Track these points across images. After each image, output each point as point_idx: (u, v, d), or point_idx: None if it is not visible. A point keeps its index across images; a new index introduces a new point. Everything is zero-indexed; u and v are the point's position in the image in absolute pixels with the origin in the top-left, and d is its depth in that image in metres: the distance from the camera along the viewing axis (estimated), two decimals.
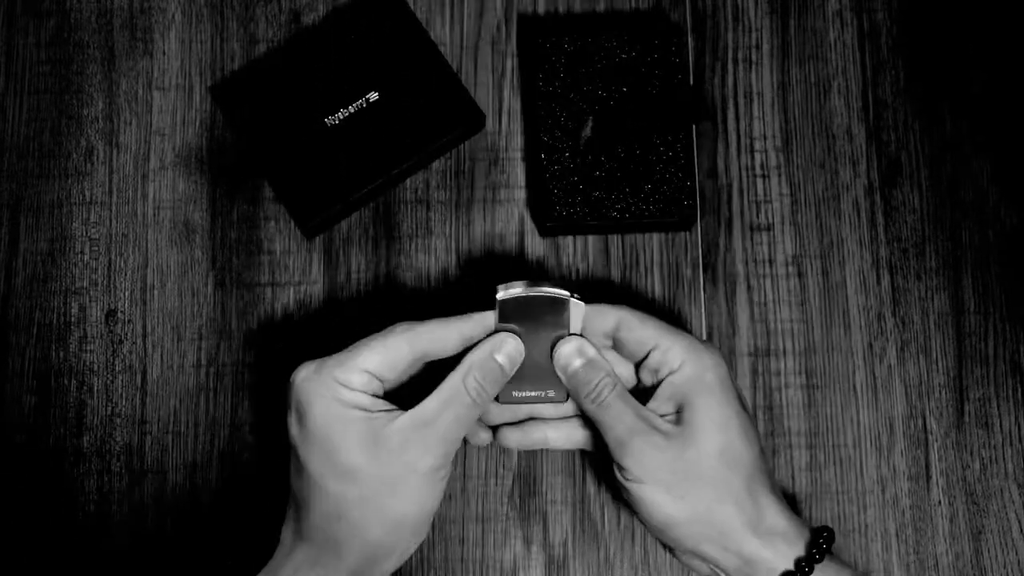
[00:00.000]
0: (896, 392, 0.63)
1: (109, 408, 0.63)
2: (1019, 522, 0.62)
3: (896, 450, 0.63)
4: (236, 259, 0.65)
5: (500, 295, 0.54)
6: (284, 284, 0.64)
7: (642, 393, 0.55)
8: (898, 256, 0.65)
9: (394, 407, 0.52)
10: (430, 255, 0.65)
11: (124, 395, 0.63)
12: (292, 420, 0.53)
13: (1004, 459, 0.63)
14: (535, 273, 0.65)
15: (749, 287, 0.65)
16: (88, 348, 0.63)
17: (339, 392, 0.51)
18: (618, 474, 0.54)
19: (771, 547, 0.52)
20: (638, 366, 0.56)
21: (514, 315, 0.54)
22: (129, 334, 0.64)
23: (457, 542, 0.62)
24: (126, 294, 0.64)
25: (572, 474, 0.62)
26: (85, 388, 0.63)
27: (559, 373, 0.55)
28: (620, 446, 0.53)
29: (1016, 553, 0.61)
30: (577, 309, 0.54)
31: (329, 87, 0.64)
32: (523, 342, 0.55)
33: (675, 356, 0.54)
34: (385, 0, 0.66)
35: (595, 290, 0.65)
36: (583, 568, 0.61)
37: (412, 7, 0.67)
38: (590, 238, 0.65)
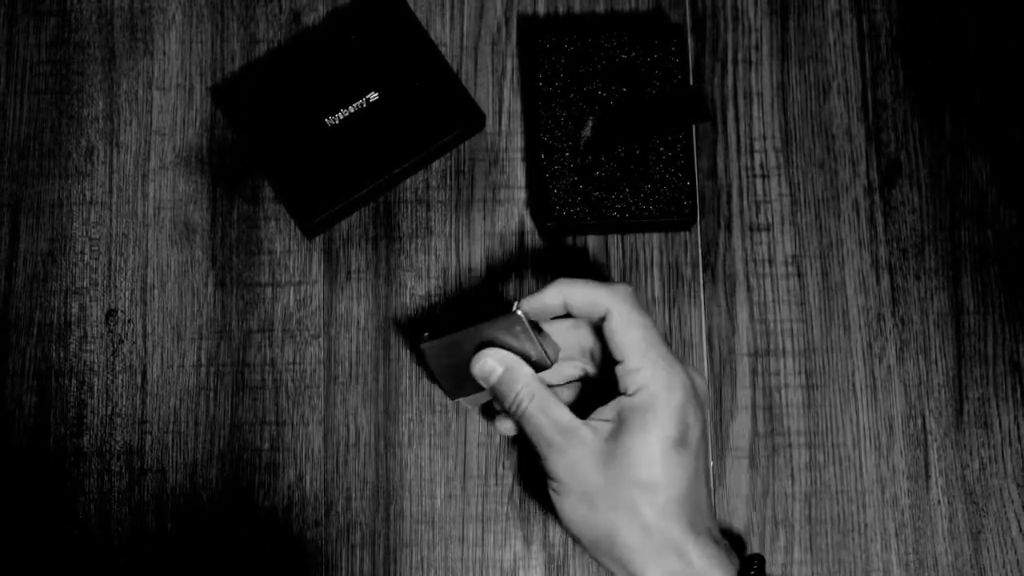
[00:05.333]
0: (895, 392, 0.63)
1: (109, 408, 0.63)
2: (1018, 522, 0.62)
3: (895, 450, 0.63)
4: (236, 259, 0.65)
5: (423, 345, 0.56)
6: (284, 284, 0.64)
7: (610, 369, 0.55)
8: (897, 256, 0.65)
9: None
10: (430, 255, 0.65)
11: (124, 395, 0.63)
12: None
13: (1003, 459, 0.63)
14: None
15: (749, 287, 0.65)
16: (88, 348, 0.63)
17: None
18: (545, 476, 0.54)
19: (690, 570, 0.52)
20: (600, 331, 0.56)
21: (439, 353, 0.57)
22: (129, 334, 0.64)
23: (457, 542, 0.62)
24: (126, 294, 0.64)
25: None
26: (85, 388, 0.63)
27: (482, 384, 0.56)
28: (541, 455, 0.54)
29: (1015, 552, 0.62)
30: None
31: (329, 87, 0.64)
32: (454, 365, 0.57)
33: (635, 381, 0.53)
34: (385, 0, 0.66)
35: None
36: (583, 568, 0.61)
37: (412, 7, 0.67)
38: (590, 238, 0.65)
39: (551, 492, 0.54)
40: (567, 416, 0.54)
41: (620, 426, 0.53)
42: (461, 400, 0.60)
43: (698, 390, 0.54)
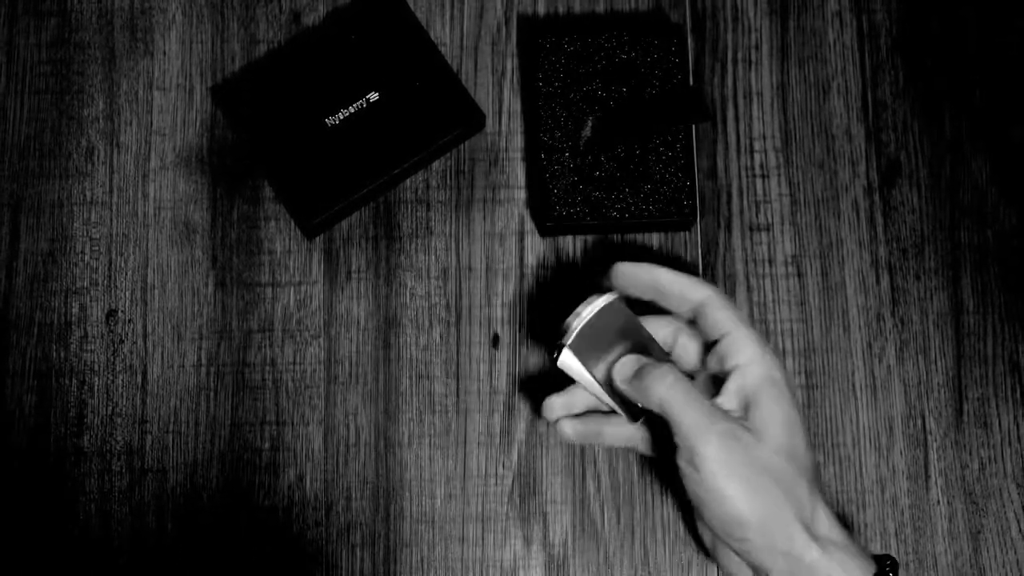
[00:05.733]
0: (895, 392, 0.63)
1: (109, 408, 0.63)
2: (1018, 521, 0.62)
3: (895, 450, 0.63)
4: (236, 259, 0.65)
5: (559, 361, 0.55)
6: (284, 284, 0.64)
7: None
8: (897, 256, 0.65)
9: None
10: (430, 255, 0.65)
11: (124, 395, 0.63)
12: None
13: (1003, 459, 0.63)
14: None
15: (748, 287, 0.65)
16: (89, 348, 0.63)
17: None
18: (687, 468, 0.52)
19: (834, 561, 0.51)
20: (707, 350, 0.56)
21: (588, 344, 0.55)
22: (130, 334, 0.64)
23: (457, 542, 0.62)
24: (126, 294, 0.64)
25: (572, 474, 0.62)
26: (86, 388, 0.63)
27: (623, 387, 0.55)
28: (695, 437, 0.52)
29: (1015, 552, 0.62)
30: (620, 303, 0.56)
31: (329, 87, 0.64)
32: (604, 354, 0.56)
33: (745, 351, 0.54)
34: (385, 0, 0.66)
35: (595, 290, 0.65)
36: (583, 568, 0.61)
37: (412, 7, 0.67)
38: (590, 238, 0.65)
39: (706, 477, 0.52)
40: (714, 406, 0.53)
41: (751, 404, 0.53)
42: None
43: None
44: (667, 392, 0.53)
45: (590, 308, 0.55)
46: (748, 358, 0.54)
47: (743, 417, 0.53)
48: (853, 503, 0.62)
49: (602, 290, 0.56)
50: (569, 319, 0.55)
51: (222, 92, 0.65)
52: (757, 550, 0.52)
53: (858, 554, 0.52)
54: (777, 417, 0.53)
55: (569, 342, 0.55)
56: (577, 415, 0.59)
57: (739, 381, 0.54)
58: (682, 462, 0.52)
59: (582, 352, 0.55)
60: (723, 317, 0.54)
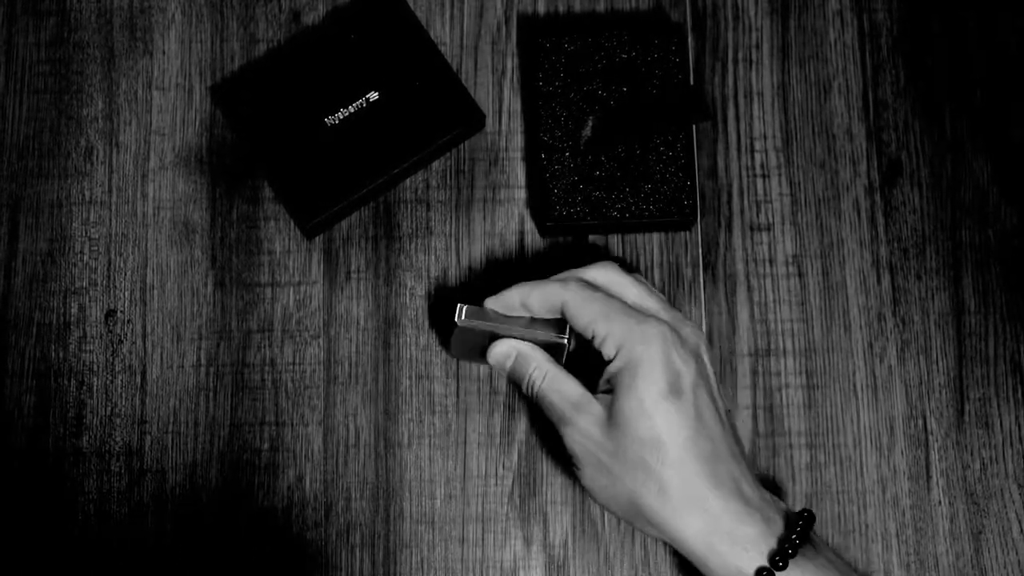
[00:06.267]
0: (896, 392, 0.63)
1: (109, 408, 0.63)
2: (1019, 522, 0.62)
3: (896, 450, 0.63)
4: (236, 259, 0.65)
5: (459, 320, 0.58)
6: (284, 284, 0.64)
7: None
8: (898, 256, 0.65)
9: None
10: (430, 255, 0.65)
11: (124, 395, 0.63)
12: None
13: (1004, 459, 0.63)
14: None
15: (749, 287, 0.65)
16: (88, 348, 0.63)
17: None
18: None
19: (720, 544, 0.52)
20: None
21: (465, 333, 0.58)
22: (129, 334, 0.64)
23: (457, 542, 0.62)
24: (126, 294, 0.64)
25: (572, 474, 0.62)
26: (85, 388, 0.63)
27: (498, 372, 0.60)
28: (559, 431, 0.55)
29: (1016, 553, 0.61)
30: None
31: (329, 87, 0.64)
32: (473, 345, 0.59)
33: (610, 346, 0.54)
34: (385, 0, 0.66)
35: None
36: (583, 568, 0.61)
37: (412, 7, 0.67)
38: (590, 238, 0.65)
39: (574, 471, 0.55)
40: (577, 390, 0.55)
41: (613, 393, 0.54)
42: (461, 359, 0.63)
43: (681, 334, 0.54)
44: (532, 379, 0.56)
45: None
46: (614, 350, 0.54)
47: (611, 403, 0.54)
48: (854, 503, 0.62)
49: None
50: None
51: (222, 91, 0.65)
52: (643, 529, 0.54)
53: (756, 537, 0.52)
54: (632, 404, 0.53)
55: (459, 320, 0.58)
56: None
57: (606, 373, 0.55)
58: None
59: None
60: (583, 321, 0.55)
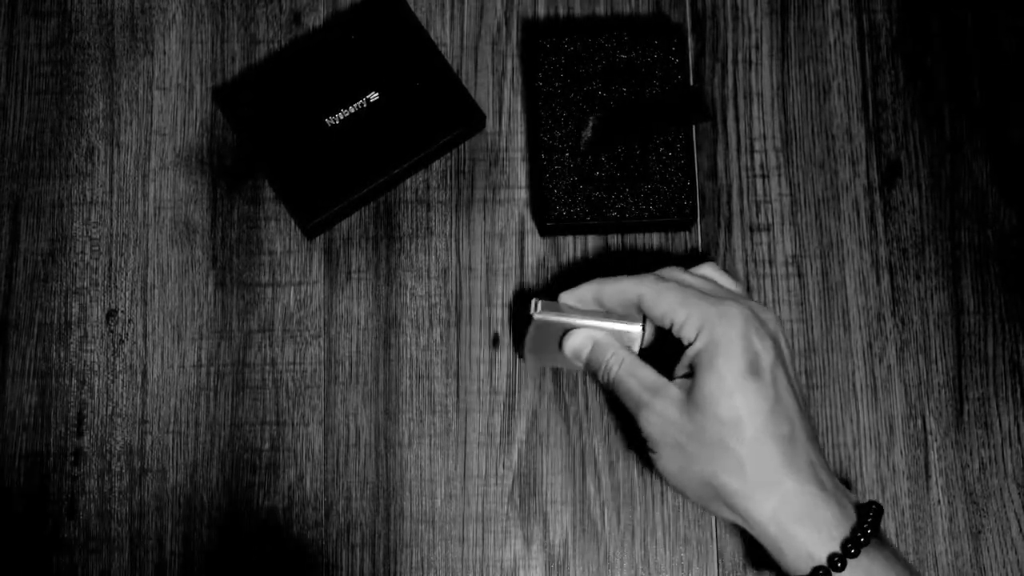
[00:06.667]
0: (895, 392, 0.63)
1: (110, 408, 0.63)
2: (1018, 521, 0.62)
3: (896, 450, 0.63)
4: (236, 259, 0.65)
5: (536, 315, 0.58)
6: (284, 284, 0.64)
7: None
8: (897, 256, 0.65)
9: None
10: (430, 255, 0.65)
11: (124, 395, 0.63)
12: None
13: (1003, 459, 0.63)
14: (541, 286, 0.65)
15: (749, 287, 0.65)
16: (89, 348, 0.63)
17: None
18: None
19: (793, 527, 0.52)
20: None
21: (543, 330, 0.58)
22: (130, 334, 0.64)
23: (457, 542, 0.62)
24: (127, 294, 0.64)
25: (572, 474, 0.62)
26: (86, 388, 0.63)
27: (576, 363, 0.58)
28: (635, 416, 0.55)
29: (1015, 552, 0.62)
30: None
31: (329, 87, 0.64)
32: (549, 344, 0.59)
33: (690, 329, 0.54)
34: (385, 0, 0.66)
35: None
36: (583, 568, 0.61)
37: (412, 7, 0.67)
38: (590, 238, 0.65)
39: (651, 455, 0.56)
40: (653, 375, 0.56)
41: (694, 373, 0.54)
42: (531, 364, 0.63)
43: (761, 318, 0.55)
44: (608, 365, 0.57)
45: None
46: (694, 334, 0.54)
47: (689, 388, 0.54)
48: None
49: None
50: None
51: (223, 92, 0.65)
52: (717, 511, 0.54)
53: (829, 523, 0.52)
54: (712, 385, 0.53)
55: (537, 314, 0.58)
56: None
57: (686, 357, 0.55)
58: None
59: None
60: (659, 310, 0.55)
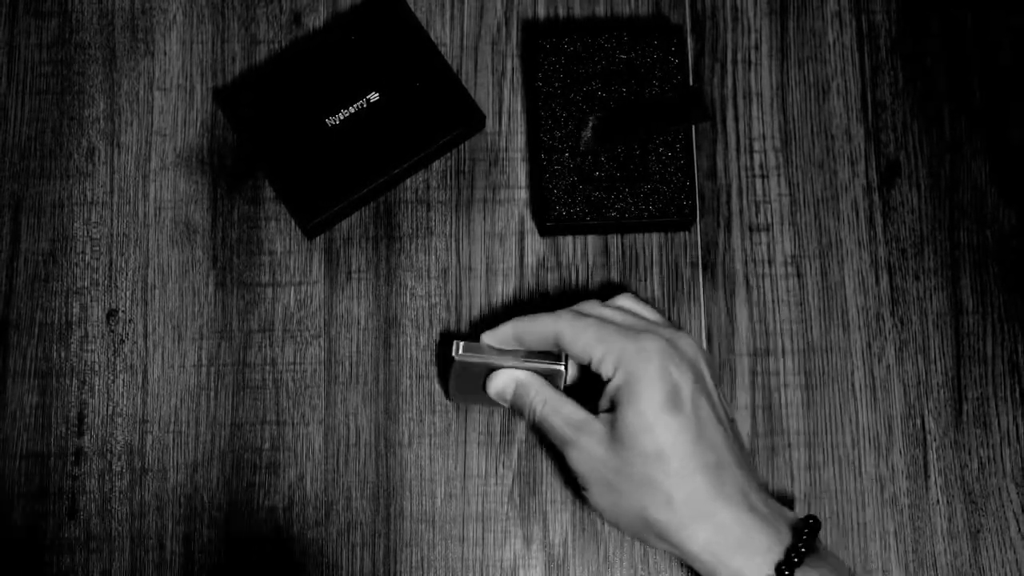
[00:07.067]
0: (894, 392, 0.64)
1: (110, 407, 0.63)
2: (1017, 521, 0.62)
3: (895, 449, 0.63)
4: (237, 259, 0.65)
5: (456, 355, 0.58)
6: (285, 284, 0.64)
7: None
8: (897, 256, 0.65)
9: None
10: (430, 255, 0.65)
11: (125, 394, 0.63)
12: None
13: (1002, 458, 0.63)
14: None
15: (748, 287, 0.65)
16: (89, 348, 0.64)
17: None
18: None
19: (727, 556, 0.52)
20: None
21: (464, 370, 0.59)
22: (130, 334, 0.64)
23: (457, 541, 0.62)
24: (127, 294, 0.64)
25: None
26: (86, 388, 0.63)
27: (501, 403, 0.59)
28: (564, 453, 0.56)
29: (1014, 552, 0.62)
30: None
31: (329, 87, 0.64)
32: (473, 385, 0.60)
33: (608, 365, 0.54)
34: (385, 1, 0.66)
35: (595, 291, 0.65)
36: (583, 567, 0.62)
37: (412, 7, 0.67)
38: (590, 238, 0.65)
39: (582, 492, 0.56)
40: (577, 412, 0.55)
41: (615, 408, 0.54)
42: (459, 403, 0.63)
43: (679, 347, 0.55)
44: (532, 405, 0.57)
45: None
46: (612, 370, 0.54)
47: (613, 420, 0.54)
48: (852, 503, 0.62)
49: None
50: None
51: (223, 93, 0.66)
52: (651, 544, 0.55)
53: (761, 548, 0.52)
54: (632, 420, 0.53)
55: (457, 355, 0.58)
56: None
57: (607, 394, 0.55)
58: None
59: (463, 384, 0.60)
60: (578, 347, 0.55)
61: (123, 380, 0.63)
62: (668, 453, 0.52)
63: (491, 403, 0.60)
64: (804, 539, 0.52)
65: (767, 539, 0.52)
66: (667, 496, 0.52)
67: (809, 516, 0.53)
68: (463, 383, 0.60)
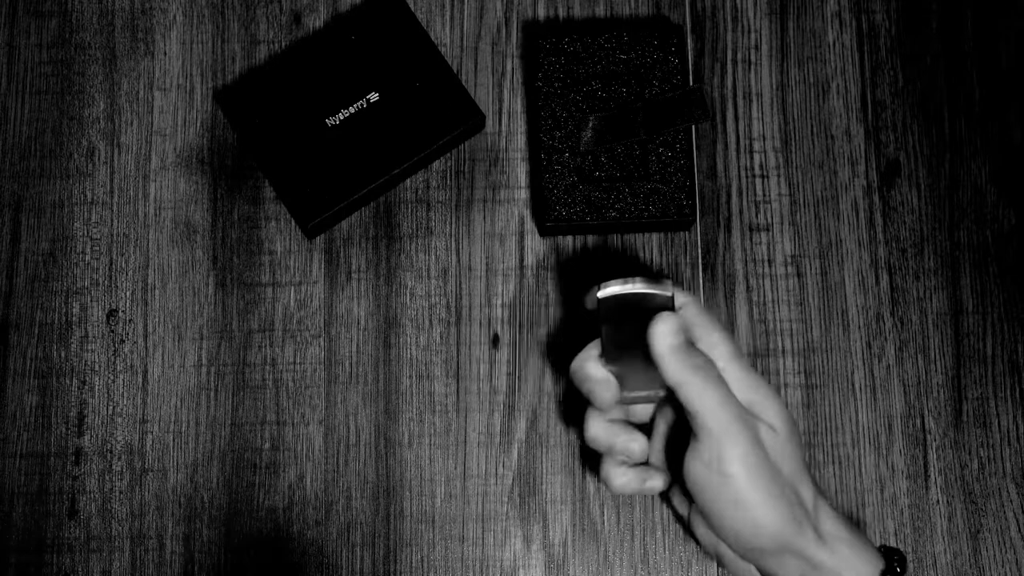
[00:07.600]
0: (894, 391, 0.64)
1: (110, 407, 0.63)
2: (1017, 521, 0.62)
3: (895, 449, 0.63)
4: (237, 259, 0.65)
5: (600, 293, 0.55)
6: (285, 284, 0.65)
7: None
8: (896, 256, 0.65)
9: None
10: (430, 255, 0.65)
11: (125, 394, 0.63)
12: None
13: (1002, 458, 0.63)
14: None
15: (748, 287, 0.65)
16: (89, 348, 0.64)
17: None
18: (703, 472, 0.51)
19: (841, 559, 0.51)
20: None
21: (616, 314, 0.54)
22: (130, 334, 0.64)
23: (457, 541, 0.62)
24: (127, 294, 0.64)
25: (572, 473, 0.62)
26: (86, 387, 0.63)
27: (660, 358, 0.52)
28: (723, 439, 0.50)
29: (1014, 552, 0.62)
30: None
31: (329, 87, 0.64)
32: (628, 339, 0.53)
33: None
34: (385, 1, 0.66)
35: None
36: (583, 567, 0.62)
37: (412, 7, 0.67)
38: (590, 238, 0.65)
39: (725, 478, 0.51)
40: (738, 402, 0.52)
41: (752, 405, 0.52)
42: (627, 395, 0.55)
43: (775, 424, 0.52)
44: (702, 383, 0.51)
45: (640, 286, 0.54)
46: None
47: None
48: (852, 503, 0.62)
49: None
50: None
51: (223, 92, 0.66)
52: (770, 555, 0.51)
53: (864, 548, 0.52)
54: (778, 411, 0.52)
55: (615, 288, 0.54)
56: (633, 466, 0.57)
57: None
58: (698, 464, 0.51)
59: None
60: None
61: (123, 380, 0.63)
62: (798, 450, 0.53)
63: (652, 370, 0.53)
64: (896, 560, 0.53)
65: (862, 550, 0.52)
66: (803, 498, 0.52)
67: (895, 551, 0.53)
68: (616, 334, 0.54)
